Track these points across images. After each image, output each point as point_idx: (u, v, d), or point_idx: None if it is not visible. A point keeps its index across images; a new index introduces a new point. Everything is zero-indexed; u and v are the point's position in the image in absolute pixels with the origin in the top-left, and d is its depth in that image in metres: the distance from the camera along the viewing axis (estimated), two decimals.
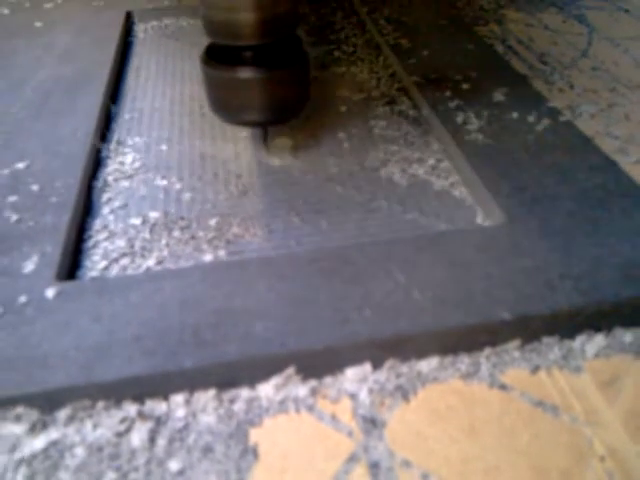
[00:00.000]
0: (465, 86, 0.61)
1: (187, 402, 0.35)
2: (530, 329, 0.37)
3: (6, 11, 0.90)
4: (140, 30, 0.86)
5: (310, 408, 0.35)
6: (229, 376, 0.36)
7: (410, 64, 0.66)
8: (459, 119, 0.55)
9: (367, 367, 0.36)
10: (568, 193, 0.46)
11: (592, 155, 0.50)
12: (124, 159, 0.57)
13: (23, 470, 0.32)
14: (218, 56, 0.50)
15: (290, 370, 0.36)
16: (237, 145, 0.59)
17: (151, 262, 0.45)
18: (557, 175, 0.48)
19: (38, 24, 0.84)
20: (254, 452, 0.33)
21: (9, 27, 0.83)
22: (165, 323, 0.37)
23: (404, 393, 0.36)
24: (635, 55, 0.74)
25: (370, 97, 0.65)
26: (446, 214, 0.49)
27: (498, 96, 0.59)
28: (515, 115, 0.56)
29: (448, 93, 0.60)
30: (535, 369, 0.37)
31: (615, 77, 0.70)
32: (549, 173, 0.48)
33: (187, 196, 0.52)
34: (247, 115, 0.52)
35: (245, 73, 0.49)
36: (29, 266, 0.42)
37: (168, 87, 0.71)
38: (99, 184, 0.53)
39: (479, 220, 0.47)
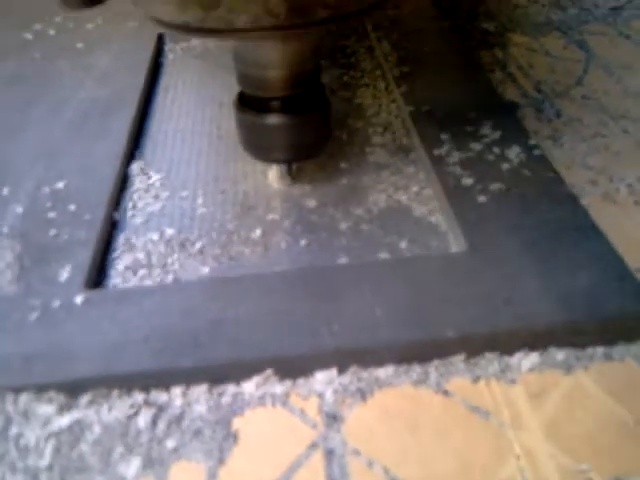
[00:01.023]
0: (454, 118, 0.67)
1: (184, 394, 0.43)
2: (473, 345, 0.44)
3: (52, 32, 1.00)
4: (170, 50, 0.94)
5: (284, 403, 0.43)
6: (219, 374, 0.44)
7: (407, 93, 0.73)
8: (442, 151, 0.62)
9: (334, 372, 0.44)
10: (528, 224, 0.52)
11: (558, 189, 0.56)
12: (148, 179, 0.65)
13: (52, 442, 0.41)
14: (249, 101, 0.57)
15: (269, 371, 0.43)
16: (246, 167, 0.67)
17: (164, 274, 0.53)
18: (522, 207, 0.54)
19: (79, 45, 0.93)
20: (235, 436, 0.41)
21: (54, 48, 0.93)
22: (170, 328, 0.45)
23: (363, 394, 0.43)
24: (626, 84, 0.79)
25: (370, 124, 0.72)
26: (422, 239, 0.55)
27: (484, 129, 0.65)
28: (495, 149, 0.62)
29: (438, 124, 0.66)
30: (476, 379, 0.44)
31: (603, 107, 0.75)
32: (515, 205, 0.55)
33: (199, 213, 0.60)
34: (274, 154, 0.60)
35: (273, 119, 0.56)
36: (64, 275, 0.50)
37: (192, 107, 0.79)
38: (126, 202, 0.62)
39: (449, 246, 0.54)
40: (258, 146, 0.60)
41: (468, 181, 0.58)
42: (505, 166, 0.59)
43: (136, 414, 0.42)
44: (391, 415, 0.42)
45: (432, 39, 0.87)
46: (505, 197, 0.56)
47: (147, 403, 0.43)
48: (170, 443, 0.41)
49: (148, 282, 0.52)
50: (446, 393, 0.43)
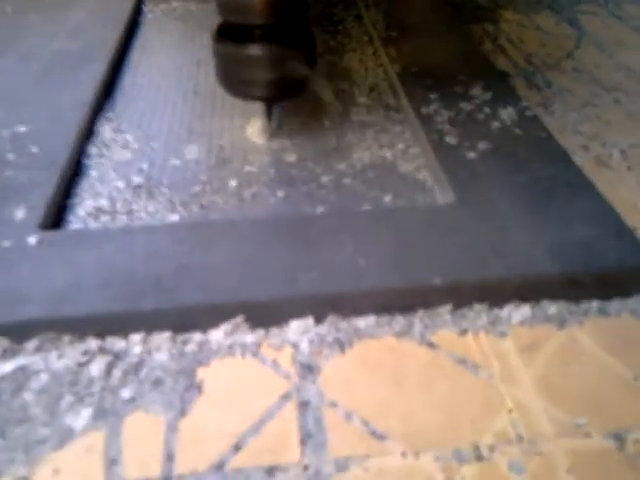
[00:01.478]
0: (442, 79, 0.64)
1: (144, 341, 0.39)
2: (461, 295, 0.41)
3: None
4: (150, 11, 0.90)
5: (255, 354, 0.39)
6: (184, 321, 0.40)
7: (395, 56, 0.69)
8: (431, 109, 0.59)
9: (310, 321, 0.40)
10: (519, 182, 0.49)
11: (550, 149, 0.54)
12: (118, 129, 0.61)
13: None
14: (229, 34, 0.53)
15: (239, 319, 0.40)
16: (223, 121, 0.63)
17: (129, 221, 0.49)
18: (512, 165, 0.51)
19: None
20: (199, 387, 0.37)
21: (27, 1, 0.88)
22: (132, 273, 0.41)
23: (341, 345, 0.39)
24: (618, 59, 0.77)
25: (356, 85, 0.69)
26: (406, 193, 0.52)
27: (474, 90, 0.62)
28: (485, 109, 0.59)
29: (426, 85, 0.63)
30: (463, 332, 0.40)
31: (594, 79, 0.72)
32: (506, 163, 0.52)
33: (170, 164, 0.56)
34: (254, 90, 0.55)
35: (254, 50, 0.52)
36: (18, 215, 0.46)
37: (169, 66, 0.75)
38: (92, 149, 0.58)
39: (434, 201, 0.51)
40: (237, 81, 0.55)
41: (456, 139, 0.55)
42: (495, 125, 0.57)
43: (89, 362, 0.38)
44: (371, 367, 0.38)
45: (422, 10, 0.84)
46: (495, 155, 0.53)
47: (102, 350, 0.39)
48: (126, 393, 0.37)
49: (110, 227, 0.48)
50: (431, 345, 0.40)
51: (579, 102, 0.67)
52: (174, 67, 0.74)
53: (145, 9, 0.90)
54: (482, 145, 0.53)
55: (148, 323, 0.39)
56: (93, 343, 0.39)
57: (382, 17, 0.81)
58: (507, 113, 0.58)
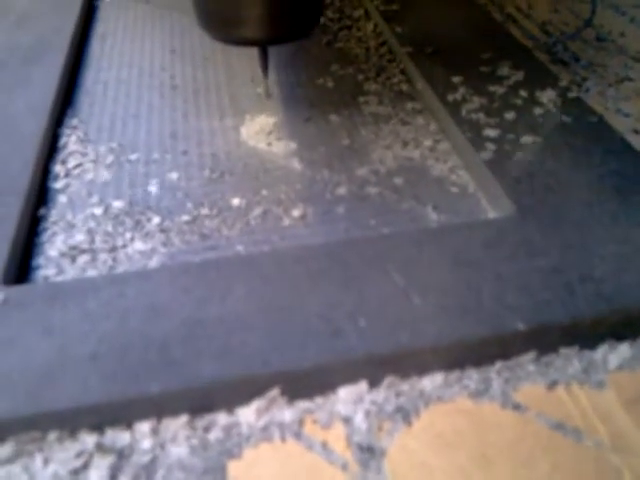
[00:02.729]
0: (464, 59, 0.55)
1: (154, 431, 0.30)
2: (547, 340, 0.33)
3: None
4: None
5: (297, 435, 0.31)
6: (203, 400, 0.31)
7: (401, 33, 0.60)
8: (458, 96, 0.50)
9: (363, 386, 0.32)
10: (583, 180, 0.41)
11: (606, 136, 0.46)
12: (86, 139, 0.51)
13: None
14: None
15: (274, 392, 0.31)
16: (212, 122, 0.53)
17: (113, 260, 0.39)
18: (570, 159, 0.43)
19: None
20: None
21: None
22: (127, 337, 0.32)
23: (405, 415, 0.31)
24: None
25: (359, 70, 0.60)
26: (446, 203, 0.44)
27: (502, 70, 0.53)
28: (521, 92, 0.50)
29: (445, 66, 0.54)
30: (552, 385, 0.33)
31: (622, 49, 0.65)
32: (561, 157, 0.44)
33: (156, 182, 0.46)
34: (243, 30, 0.43)
35: None
36: None
37: (136, 56, 0.64)
38: (56, 168, 0.47)
39: (484, 210, 0.43)
40: (221, 19, 0.43)
41: (496, 131, 0.46)
42: (538, 111, 0.48)
43: (86, 466, 0.29)
44: (448, 443, 0.30)
45: None
46: (548, 149, 0.44)
47: (101, 448, 0.30)
48: None
49: (92, 272, 0.39)
50: (517, 407, 0.32)
51: (613, 77, 0.59)
52: (144, 57, 0.64)
53: None
54: (528, 137, 0.45)
55: (157, 406, 0.30)
56: (89, 440, 0.30)
57: None
58: (547, 96, 0.50)
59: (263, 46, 0.47)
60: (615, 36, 0.67)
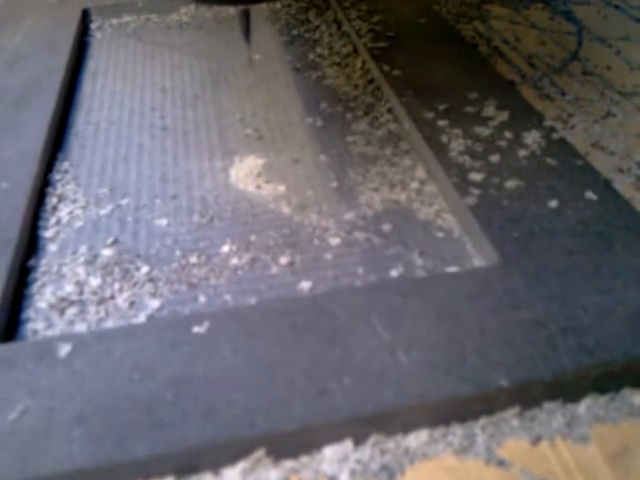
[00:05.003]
0: (450, 99, 0.56)
1: None
2: (530, 394, 0.33)
3: None
4: (98, 28, 0.79)
5: None
6: (189, 462, 0.31)
7: (389, 72, 0.61)
8: (444, 138, 0.51)
9: (348, 444, 0.32)
10: (565, 226, 0.42)
11: (590, 179, 0.46)
12: (76, 184, 0.51)
13: None
14: None
15: (260, 452, 0.31)
16: (201, 163, 0.54)
17: (102, 312, 0.40)
18: (553, 204, 0.44)
19: None
20: None
21: None
22: (114, 398, 0.32)
23: (390, 474, 0.31)
24: (628, 57, 0.70)
25: (348, 108, 0.60)
26: (432, 248, 0.44)
27: (487, 110, 0.54)
28: (506, 133, 0.51)
29: (432, 106, 0.55)
30: (536, 439, 0.33)
31: (608, 83, 0.65)
32: (544, 202, 0.44)
33: (144, 228, 0.47)
34: None
35: None
36: None
37: (127, 95, 0.65)
38: (46, 216, 0.48)
39: (469, 256, 0.43)
40: None
41: (481, 175, 0.47)
42: (522, 154, 0.49)
43: None
44: None
45: (406, 11, 0.75)
46: (532, 193, 0.45)
47: None
48: None
49: (81, 326, 0.39)
50: (501, 463, 0.32)
51: (599, 113, 0.60)
52: (134, 96, 0.64)
53: (93, 26, 0.79)
54: (513, 182, 0.46)
55: (143, 470, 0.31)
56: None
57: (363, 22, 0.72)
58: (532, 137, 0.50)
59: (245, 6, 0.47)
60: (601, 69, 0.68)
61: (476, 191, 0.45)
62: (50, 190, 0.50)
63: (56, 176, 0.52)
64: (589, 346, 0.34)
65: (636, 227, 0.42)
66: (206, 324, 0.36)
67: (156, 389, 0.32)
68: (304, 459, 0.32)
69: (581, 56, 0.71)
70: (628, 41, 0.73)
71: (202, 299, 0.41)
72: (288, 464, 0.32)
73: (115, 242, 0.45)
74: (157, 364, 0.34)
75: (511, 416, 0.33)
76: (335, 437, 0.32)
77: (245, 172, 0.52)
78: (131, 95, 0.65)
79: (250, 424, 0.31)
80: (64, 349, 0.35)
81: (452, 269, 0.42)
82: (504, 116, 0.53)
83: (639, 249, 0.40)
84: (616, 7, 0.82)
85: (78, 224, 0.47)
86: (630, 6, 0.82)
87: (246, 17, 0.48)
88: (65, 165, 0.54)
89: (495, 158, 0.48)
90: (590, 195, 0.44)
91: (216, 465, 0.31)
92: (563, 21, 0.80)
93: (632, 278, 0.38)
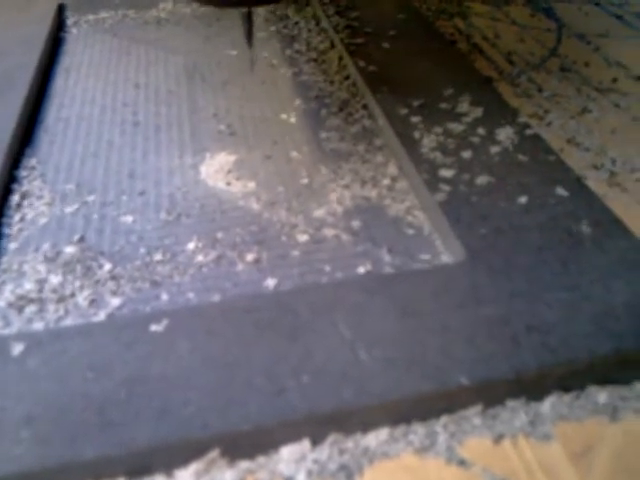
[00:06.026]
0: (425, 95, 0.55)
1: None
2: (493, 392, 0.33)
3: None
4: (74, 24, 0.78)
5: None
6: (141, 462, 0.30)
7: (365, 67, 0.60)
8: (417, 134, 0.50)
9: (305, 444, 0.31)
10: (534, 222, 0.41)
11: (561, 176, 0.46)
12: (42, 180, 0.50)
13: None
14: None
15: (214, 453, 0.30)
16: (172, 160, 0.53)
17: (61, 311, 0.39)
18: (522, 200, 0.43)
19: None
20: None
21: None
22: (65, 398, 0.31)
23: (349, 474, 0.31)
24: (606, 54, 0.70)
25: (323, 104, 0.60)
26: (401, 245, 0.43)
27: (462, 106, 0.53)
28: (479, 129, 0.51)
29: (407, 103, 0.54)
30: (498, 438, 0.32)
31: (585, 79, 0.65)
32: (514, 198, 0.43)
33: (110, 225, 0.46)
34: None
35: None
36: None
37: (99, 92, 0.64)
38: (11, 212, 0.47)
39: (438, 253, 0.42)
40: None
41: (452, 171, 0.46)
42: (494, 150, 0.48)
43: None
44: None
45: (385, 7, 0.75)
46: (502, 190, 0.44)
47: None
48: None
49: (38, 324, 0.38)
50: (462, 463, 0.31)
51: (575, 109, 0.60)
52: (107, 93, 0.63)
53: (68, 22, 0.78)
54: (484, 178, 0.45)
55: (93, 472, 0.30)
56: None
57: (341, 18, 0.72)
58: (505, 133, 0.50)
59: (248, 8, 0.46)
60: (579, 66, 0.68)
61: (446, 187, 0.44)
62: (16, 187, 0.49)
63: (22, 172, 0.51)
64: (553, 344, 0.33)
65: (606, 223, 0.41)
66: (165, 322, 0.35)
67: (110, 389, 0.32)
68: (260, 459, 0.31)
69: (560, 53, 0.71)
70: (607, 38, 0.73)
71: (164, 297, 0.40)
72: (244, 465, 0.31)
73: (79, 239, 0.44)
74: (112, 363, 0.33)
75: (473, 414, 0.33)
76: (292, 437, 0.31)
77: (215, 168, 0.51)
78: (104, 91, 0.64)
79: (204, 424, 0.30)
80: (17, 348, 0.34)
81: (420, 266, 0.41)
82: (478, 112, 0.53)
83: (608, 245, 0.39)
84: (597, 4, 0.82)
85: (42, 221, 0.46)
86: (610, 3, 0.82)
87: (248, 19, 0.47)
88: (33, 161, 0.53)
89: (467, 154, 0.48)
90: (561, 191, 0.44)
91: (169, 466, 0.30)
92: (544, 18, 0.79)
93: (599, 275, 0.37)
